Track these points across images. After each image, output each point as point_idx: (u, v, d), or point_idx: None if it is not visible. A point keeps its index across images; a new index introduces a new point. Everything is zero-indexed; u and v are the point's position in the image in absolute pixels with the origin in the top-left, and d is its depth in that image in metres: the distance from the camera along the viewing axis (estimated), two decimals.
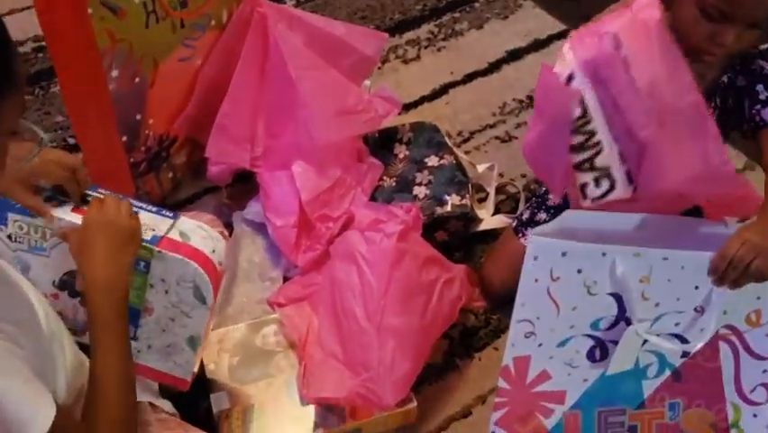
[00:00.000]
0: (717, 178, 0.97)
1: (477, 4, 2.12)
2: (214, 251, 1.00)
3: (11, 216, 0.95)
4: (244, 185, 1.51)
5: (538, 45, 2.00)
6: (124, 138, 1.35)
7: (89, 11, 1.14)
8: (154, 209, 1.01)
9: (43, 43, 1.73)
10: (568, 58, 0.98)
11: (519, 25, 2.06)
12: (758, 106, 1.06)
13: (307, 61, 1.37)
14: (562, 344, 1.04)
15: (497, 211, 1.57)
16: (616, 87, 0.96)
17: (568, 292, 1.01)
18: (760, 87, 1.05)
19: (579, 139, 1.00)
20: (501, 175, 1.64)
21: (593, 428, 1.09)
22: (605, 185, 1.02)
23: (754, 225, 0.98)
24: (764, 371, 1.06)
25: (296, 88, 1.34)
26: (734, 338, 1.04)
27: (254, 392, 1.22)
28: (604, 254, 0.99)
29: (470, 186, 1.50)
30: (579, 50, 0.97)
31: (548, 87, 1.01)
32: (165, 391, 1.11)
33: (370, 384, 1.16)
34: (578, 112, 0.98)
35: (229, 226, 1.44)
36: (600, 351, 1.06)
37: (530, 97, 1.86)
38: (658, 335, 1.03)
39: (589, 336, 1.05)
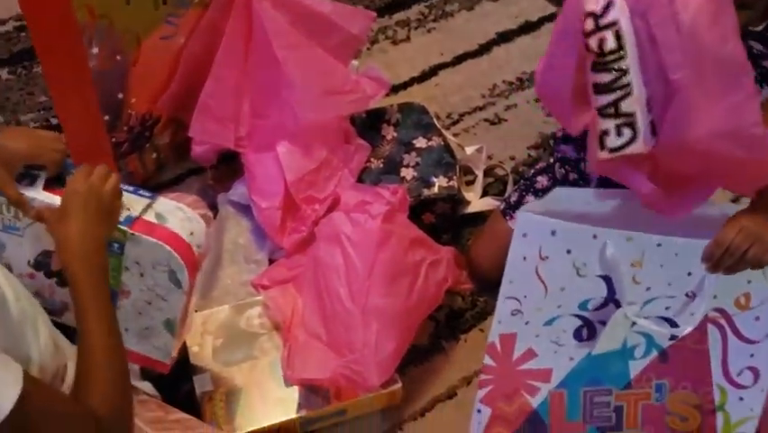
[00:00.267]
0: (745, 138, 0.89)
1: None
2: (192, 233, 0.98)
3: None
4: (229, 166, 1.49)
5: (529, 27, 1.98)
6: (106, 117, 1.33)
7: None
8: (131, 189, 0.99)
9: (25, 22, 1.70)
10: None
11: (510, 7, 2.04)
12: None
13: (293, 40, 1.34)
14: (549, 322, 1.04)
15: (485, 194, 1.56)
16: (655, 18, 0.86)
17: (556, 272, 1.00)
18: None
19: (607, 78, 0.90)
20: (490, 157, 1.62)
21: (579, 408, 1.08)
22: (627, 134, 0.92)
23: (750, 212, 0.96)
24: (752, 355, 1.05)
25: (281, 68, 1.32)
26: (722, 321, 1.04)
27: (238, 374, 1.21)
28: (595, 237, 0.97)
29: (457, 168, 1.49)
30: None
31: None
32: (146, 373, 1.10)
33: (355, 365, 1.15)
34: (612, 44, 0.88)
35: (214, 208, 1.42)
36: (588, 331, 1.05)
37: (520, 79, 1.84)
38: (647, 318, 1.02)
39: (577, 315, 1.04)
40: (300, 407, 1.18)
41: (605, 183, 1.12)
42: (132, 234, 0.93)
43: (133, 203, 0.96)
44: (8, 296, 0.80)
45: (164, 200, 1.00)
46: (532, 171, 1.44)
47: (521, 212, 0.99)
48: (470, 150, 1.59)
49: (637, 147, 0.92)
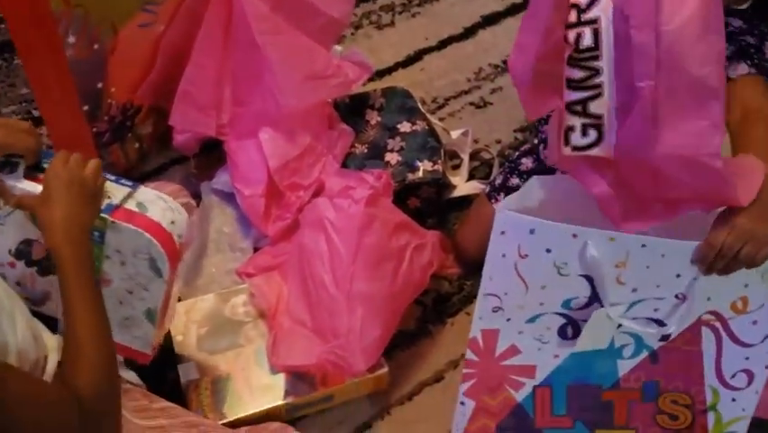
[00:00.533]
0: (699, 167, 0.85)
1: None
2: (173, 222, 0.97)
3: None
4: (213, 154, 1.48)
5: (515, 9, 1.96)
6: (86, 107, 1.31)
7: None
8: (113, 178, 0.98)
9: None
10: None
11: None
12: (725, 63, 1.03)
13: (273, 25, 1.33)
14: (532, 320, 1.01)
15: (471, 177, 1.55)
16: (636, 20, 0.82)
17: (537, 271, 0.97)
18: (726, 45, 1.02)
19: (579, 74, 0.86)
20: (476, 141, 1.62)
21: (565, 403, 1.06)
22: (592, 135, 0.88)
23: (741, 209, 0.90)
24: (747, 358, 1.01)
25: (261, 53, 1.31)
26: (717, 324, 1.00)
27: (223, 363, 1.20)
28: (575, 236, 0.93)
29: (442, 152, 1.48)
30: None
31: None
32: (131, 363, 1.09)
33: (340, 351, 1.15)
34: (588, 41, 0.84)
35: (197, 197, 1.41)
36: (572, 329, 1.02)
37: (506, 62, 1.83)
38: (635, 318, 0.97)
39: (561, 314, 1.01)
40: (287, 394, 1.18)
41: None
42: (113, 221, 0.92)
43: (114, 192, 0.95)
44: None
45: (145, 190, 0.99)
46: (516, 153, 1.43)
47: (499, 209, 0.95)
48: (455, 134, 1.58)
49: (601, 150, 0.88)
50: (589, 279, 0.97)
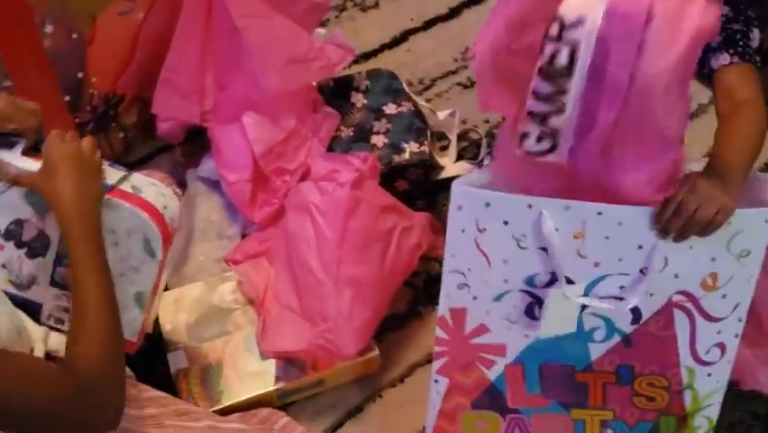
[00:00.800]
0: (637, 201, 0.92)
1: None
2: (165, 207, 0.99)
3: None
4: (198, 141, 1.47)
5: None
6: (67, 97, 1.30)
7: None
8: (107, 163, 0.99)
9: None
10: None
11: None
12: (710, 54, 1.03)
13: (253, 9, 1.31)
14: (498, 298, 1.00)
15: (459, 158, 1.54)
16: (618, 58, 0.84)
17: (497, 244, 0.96)
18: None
19: (546, 89, 0.88)
20: (464, 122, 1.60)
21: (537, 382, 1.06)
22: (545, 145, 0.91)
23: (704, 172, 0.92)
24: (719, 331, 1.01)
25: (242, 38, 1.29)
26: (689, 305, 0.99)
27: (212, 350, 1.20)
28: (530, 206, 0.92)
29: (428, 133, 1.47)
30: None
31: None
32: None
33: (329, 335, 1.14)
34: (563, 61, 0.86)
35: (183, 185, 1.41)
36: (539, 308, 1.00)
37: None
38: (602, 297, 0.96)
39: (526, 291, 1.00)
40: (277, 379, 1.18)
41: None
42: (109, 198, 0.93)
43: (110, 173, 0.97)
44: None
45: (138, 176, 1.01)
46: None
47: (454, 183, 0.94)
48: (442, 114, 1.57)
49: (552, 158, 0.92)
50: (548, 252, 0.96)
